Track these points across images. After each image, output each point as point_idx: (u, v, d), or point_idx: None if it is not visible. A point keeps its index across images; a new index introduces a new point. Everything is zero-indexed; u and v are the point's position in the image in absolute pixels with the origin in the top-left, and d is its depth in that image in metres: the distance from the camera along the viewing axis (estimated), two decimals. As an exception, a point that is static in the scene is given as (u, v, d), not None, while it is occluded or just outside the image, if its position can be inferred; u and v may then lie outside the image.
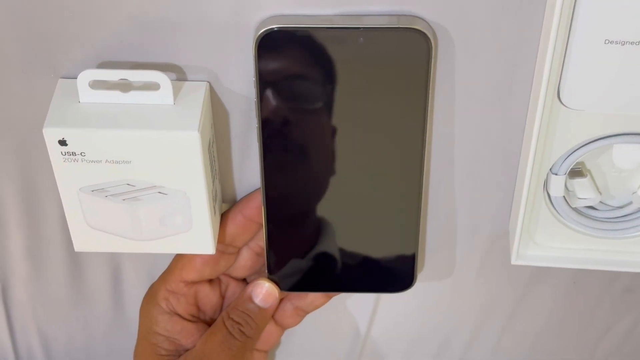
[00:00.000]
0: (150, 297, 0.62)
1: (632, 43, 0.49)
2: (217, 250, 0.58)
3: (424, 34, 0.49)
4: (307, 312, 0.64)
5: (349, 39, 0.49)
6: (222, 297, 0.64)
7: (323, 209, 0.57)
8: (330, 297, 0.63)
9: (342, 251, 0.59)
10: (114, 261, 0.67)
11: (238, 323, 0.60)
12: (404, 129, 0.53)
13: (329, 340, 0.73)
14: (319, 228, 0.58)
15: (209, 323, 0.63)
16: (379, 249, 0.59)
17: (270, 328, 0.64)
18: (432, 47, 0.49)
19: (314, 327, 0.71)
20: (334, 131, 0.53)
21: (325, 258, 0.59)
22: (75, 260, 0.67)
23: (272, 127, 0.53)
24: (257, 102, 0.52)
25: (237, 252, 0.62)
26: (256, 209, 0.59)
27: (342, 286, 0.61)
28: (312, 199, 0.57)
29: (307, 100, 0.52)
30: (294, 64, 0.50)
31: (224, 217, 0.60)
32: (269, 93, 0.52)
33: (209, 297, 0.63)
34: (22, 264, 0.67)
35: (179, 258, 0.61)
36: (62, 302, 0.70)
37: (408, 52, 0.49)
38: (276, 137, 0.54)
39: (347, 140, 0.54)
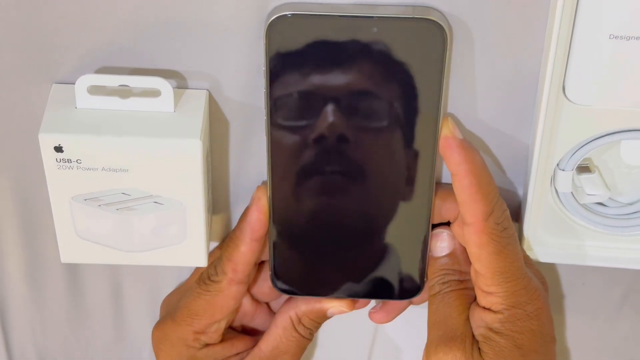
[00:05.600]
0: (175, 342, 0.61)
1: (637, 38, 0.49)
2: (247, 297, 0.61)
3: (440, 25, 0.49)
4: None
5: (363, 28, 0.49)
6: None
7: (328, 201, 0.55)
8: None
9: (346, 253, 0.58)
10: (114, 278, 0.66)
11: (309, 328, 0.61)
12: (418, 120, 0.52)
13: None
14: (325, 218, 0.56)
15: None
16: (387, 253, 0.57)
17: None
18: (447, 39, 0.49)
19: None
20: (343, 123, 0.52)
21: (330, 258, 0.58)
22: (74, 279, 0.66)
23: (280, 118, 0.52)
24: (266, 92, 0.51)
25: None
26: (258, 222, 0.57)
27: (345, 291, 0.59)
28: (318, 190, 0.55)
29: (317, 90, 0.51)
30: (304, 52, 0.50)
31: (236, 250, 0.57)
32: (279, 82, 0.51)
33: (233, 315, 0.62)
34: (20, 285, 0.66)
35: (206, 303, 0.59)
36: (62, 323, 0.69)
37: (423, 43, 0.49)
38: (284, 130, 0.52)
39: (356, 133, 0.52)
